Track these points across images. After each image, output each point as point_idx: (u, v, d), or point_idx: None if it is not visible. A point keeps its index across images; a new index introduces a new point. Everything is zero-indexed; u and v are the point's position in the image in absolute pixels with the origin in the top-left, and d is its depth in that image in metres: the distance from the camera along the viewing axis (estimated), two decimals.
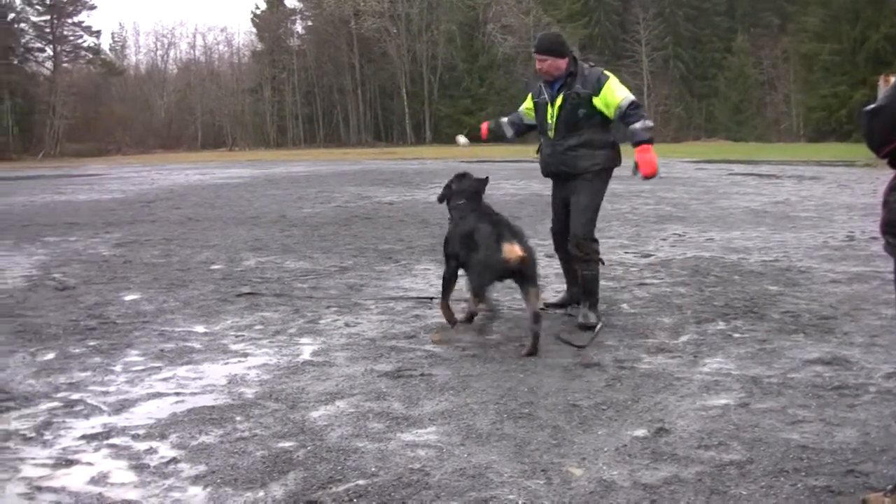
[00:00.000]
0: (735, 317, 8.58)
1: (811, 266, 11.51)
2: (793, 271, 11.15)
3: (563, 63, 8.50)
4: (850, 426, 5.43)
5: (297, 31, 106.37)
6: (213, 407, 6.03)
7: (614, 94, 8.35)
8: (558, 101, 8.48)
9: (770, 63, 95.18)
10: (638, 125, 8.30)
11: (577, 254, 8.54)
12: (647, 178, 8.41)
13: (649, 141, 8.37)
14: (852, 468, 4.79)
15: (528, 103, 9.08)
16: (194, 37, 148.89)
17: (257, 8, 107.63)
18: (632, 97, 8.38)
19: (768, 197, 22.47)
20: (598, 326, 8.18)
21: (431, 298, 9.49)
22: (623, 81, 8.67)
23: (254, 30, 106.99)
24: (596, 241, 8.59)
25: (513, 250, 7.42)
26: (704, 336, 7.84)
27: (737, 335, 7.86)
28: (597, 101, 8.37)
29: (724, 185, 27.40)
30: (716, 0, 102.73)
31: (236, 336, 8.12)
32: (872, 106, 3.79)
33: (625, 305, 9.26)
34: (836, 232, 14.98)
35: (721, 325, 8.24)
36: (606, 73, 8.52)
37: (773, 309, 8.90)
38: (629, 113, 8.29)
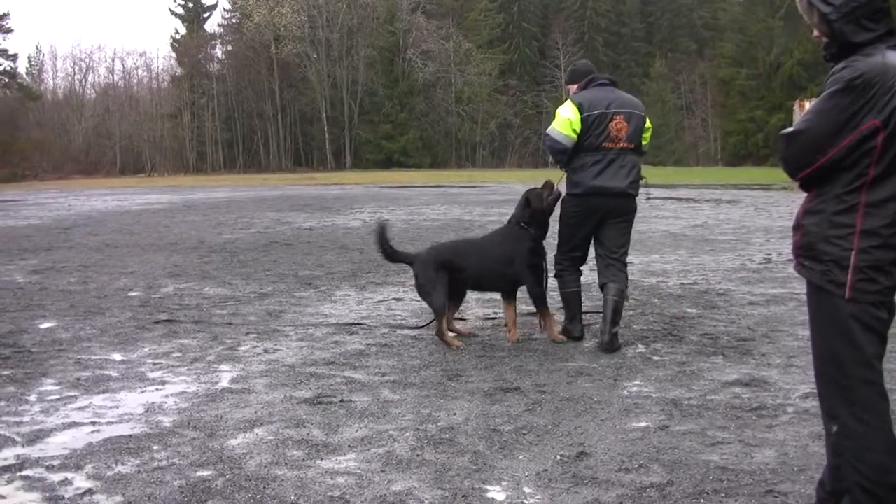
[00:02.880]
0: (654, 340, 8.64)
1: (729, 288, 11.62)
2: (711, 294, 11.25)
3: (571, 89, 8.83)
4: (769, 447, 5.47)
5: (217, 56, 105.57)
6: (129, 436, 5.93)
7: None
8: None
9: (688, 88, 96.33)
10: None
11: None
12: None
13: None
14: (771, 488, 4.82)
15: None
16: (113, 61, 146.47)
17: (177, 32, 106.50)
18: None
19: (687, 220, 22.70)
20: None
21: (351, 324, 9.45)
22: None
23: (173, 54, 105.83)
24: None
25: None
26: (624, 359, 7.87)
27: (656, 358, 7.90)
28: None
29: (644, 209, 27.48)
30: (634, 26, 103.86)
31: (154, 364, 8.00)
32: (790, 129, 3.78)
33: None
34: (753, 255, 15.17)
35: (641, 349, 8.28)
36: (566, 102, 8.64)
37: (691, 331, 8.98)
38: None
